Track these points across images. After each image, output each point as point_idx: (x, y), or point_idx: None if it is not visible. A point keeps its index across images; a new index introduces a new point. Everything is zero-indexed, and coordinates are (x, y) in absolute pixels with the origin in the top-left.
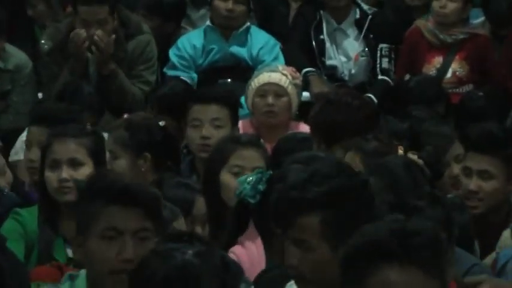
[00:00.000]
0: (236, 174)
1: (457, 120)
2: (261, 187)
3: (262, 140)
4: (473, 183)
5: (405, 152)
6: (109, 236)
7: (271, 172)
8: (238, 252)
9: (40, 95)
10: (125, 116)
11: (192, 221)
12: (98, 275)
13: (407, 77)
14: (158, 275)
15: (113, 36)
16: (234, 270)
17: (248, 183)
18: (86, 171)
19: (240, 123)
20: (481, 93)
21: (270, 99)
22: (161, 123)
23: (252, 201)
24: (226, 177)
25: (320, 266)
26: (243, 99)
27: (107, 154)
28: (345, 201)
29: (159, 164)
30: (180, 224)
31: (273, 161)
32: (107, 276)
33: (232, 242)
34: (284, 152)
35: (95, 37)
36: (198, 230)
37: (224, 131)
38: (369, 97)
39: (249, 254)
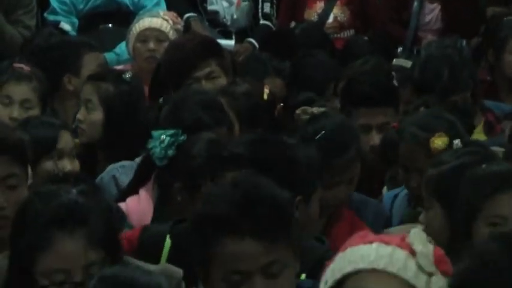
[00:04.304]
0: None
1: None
2: (170, 153)
3: None
4: (376, 138)
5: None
6: None
7: (185, 138)
8: (130, 205)
9: None
10: None
11: (60, 155)
12: None
13: (293, 24)
14: (43, 215)
15: None
16: (117, 211)
17: (161, 142)
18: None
19: (121, 68)
20: (365, 38)
21: (152, 45)
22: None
23: (159, 163)
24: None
25: None
26: (124, 44)
27: None
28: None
29: None
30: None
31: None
32: None
33: (132, 191)
34: None
35: None
36: (66, 163)
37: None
38: (250, 42)
39: (142, 206)
